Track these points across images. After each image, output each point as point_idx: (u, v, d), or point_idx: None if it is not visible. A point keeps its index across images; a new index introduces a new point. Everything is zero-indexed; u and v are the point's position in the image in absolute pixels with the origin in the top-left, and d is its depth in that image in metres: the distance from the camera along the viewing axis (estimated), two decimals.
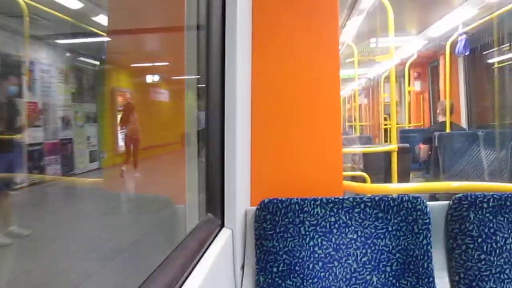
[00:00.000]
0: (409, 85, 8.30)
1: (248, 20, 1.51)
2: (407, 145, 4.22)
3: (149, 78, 10.82)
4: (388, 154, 3.54)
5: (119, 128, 8.86)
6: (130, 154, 8.46)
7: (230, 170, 1.37)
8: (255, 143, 1.54)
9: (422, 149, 5.33)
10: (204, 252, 1.15)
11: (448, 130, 5.21)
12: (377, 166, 3.92)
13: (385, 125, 8.73)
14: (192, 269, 1.04)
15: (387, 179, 3.65)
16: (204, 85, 1.39)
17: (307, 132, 1.56)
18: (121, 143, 8.92)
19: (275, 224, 1.41)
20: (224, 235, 1.35)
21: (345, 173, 3.58)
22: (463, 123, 6.77)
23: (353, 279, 1.37)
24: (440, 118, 5.52)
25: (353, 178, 3.73)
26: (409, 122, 8.58)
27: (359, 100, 12.59)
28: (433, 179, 5.02)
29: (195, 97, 1.54)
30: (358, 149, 3.93)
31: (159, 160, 9.35)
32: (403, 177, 3.97)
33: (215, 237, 1.30)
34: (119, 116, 9.10)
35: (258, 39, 1.54)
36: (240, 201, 1.43)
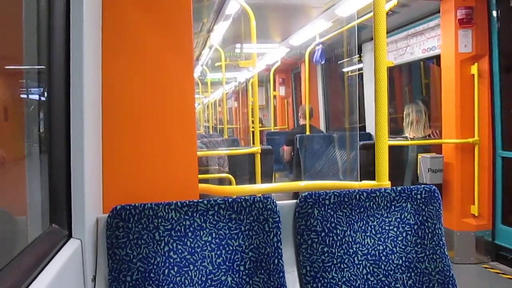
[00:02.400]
0: (274, 90, 8.75)
1: (97, 23, 1.43)
2: (269, 147, 4.43)
3: None
4: (252, 155, 3.68)
5: None
6: None
7: (77, 176, 1.28)
8: (107, 147, 1.47)
9: (286, 150, 5.66)
10: (44, 267, 1.05)
11: (308, 133, 5.61)
12: (242, 168, 4.04)
13: (253, 127, 9.08)
14: None
15: (252, 180, 3.79)
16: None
17: (161, 136, 1.53)
18: None
19: (128, 231, 1.36)
20: (71, 247, 1.25)
21: (210, 176, 3.62)
22: (322, 126, 7.35)
23: (209, 281, 1.38)
24: (301, 121, 5.92)
25: (220, 180, 3.79)
26: (275, 125, 9.05)
27: (229, 103, 12.90)
28: (296, 178, 5.36)
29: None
30: (222, 151, 4.01)
31: None
32: (267, 178, 4.16)
33: (59, 250, 1.20)
34: None
35: (108, 41, 1.47)
36: (90, 209, 1.34)
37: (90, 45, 1.34)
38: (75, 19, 1.27)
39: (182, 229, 1.40)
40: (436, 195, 1.55)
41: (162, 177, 1.54)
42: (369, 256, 1.48)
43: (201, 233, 1.41)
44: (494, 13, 3.72)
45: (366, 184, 1.75)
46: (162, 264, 1.36)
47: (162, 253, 1.37)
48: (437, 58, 4.33)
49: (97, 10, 1.43)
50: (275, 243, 1.42)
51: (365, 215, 1.51)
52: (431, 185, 1.57)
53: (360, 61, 5.92)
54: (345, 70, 6.66)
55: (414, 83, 5.72)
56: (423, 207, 1.53)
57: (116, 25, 1.49)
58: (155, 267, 1.35)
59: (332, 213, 1.49)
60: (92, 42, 1.37)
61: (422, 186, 1.55)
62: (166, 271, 1.36)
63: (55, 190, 1.26)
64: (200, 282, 1.38)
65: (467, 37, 3.79)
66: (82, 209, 1.30)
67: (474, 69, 3.77)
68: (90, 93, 1.34)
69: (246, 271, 1.40)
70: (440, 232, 1.53)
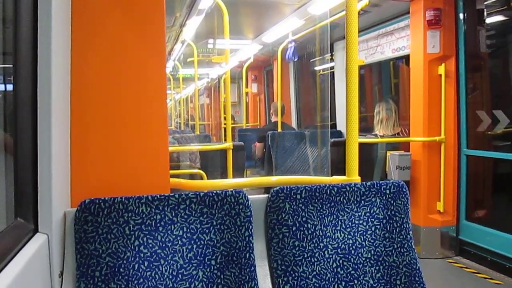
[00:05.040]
0: (246, 86, 8.74)
1: (66, 15, 1.40)
2: (241, 143, 4.43)
3: None
4: (224, 152, 3.68)
5: None
6: None
7: (44, 168, 1.25)
8: (76, 140, 1.43)
9: (258, 147, 5.67)
10: (8, 263, 1.02)
11: (279, 130, 5.64)
12: (214, 164, 4.03)
13: (225, 124, 9.04)
14: None
15: (224, 176, 3.78)
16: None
17: (132, 130, 1.51)
18: None
19: (97, 226, 1.34)
20: (37, 242, 1.22)
21: (182, 171, 3.60)
22: (294, 123, 7.41)
23: (180, 275, 1.37)
24: (273, 118, 5.95)
25: (191, 176, 3.77)
26: (247, 122, 9.05)
27: (202, 99, 12.80)
28: (267, 174, 5.38)
29: None
30: (194, 147, 3.98)
31: None
32: (238, 174, 4.16)
33: (25, 245, 1.16)
34: None
35: (78, 34, 1.43)
36: (57, 202, 1.31)
37: (59, 36, 1.31)
38: (43, 11, 1.24)
39: (153, 224, 1.38)
40: (404, 190, 1.59)
41: (133, 171, 1.52)
42: (339, 250, 1.50)
43: (172, 227, 1.40)
44: (461, 16, 3.83)
45: (337, 179, 1.78)
46: (132, 259, 1.34)
47: (132, 247, 1.35)
48: (407, 58, 4.42)
49: (66, 3, 1.40)
50: (247, 237, 1.42)
51: (336, 209, 1.53)
52: (400, 181, 1.61)
53: (331, 59, 5.99)
54: (317, 68, 6.72)
55: (384, 82, 5.83)
56: (392, 201, 1.57)
57: (86, 18, 1.45)
58: (124, 262, 1.33)
59: (303, 207, 1.50)
60: (61, 34, 1.33)
61: (391, 181, 1.59)
62: (136, 266, 1.34)
63: (21, 183, 1.22)
64: (170, 277, 1.37)
65: (435, 38, 3.89)
66: (49, 202, 1.27)
67: (441, 70, 3.87)
68: (59, 85, 1.31)
69: (218, 266, 1.40)
70: (407, 226, 1.56)
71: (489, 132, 3.85)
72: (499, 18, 3.93)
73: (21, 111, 1.22)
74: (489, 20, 3.91)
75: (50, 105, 1.24)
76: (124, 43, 1.50)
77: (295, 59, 5.76)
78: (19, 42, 1.21)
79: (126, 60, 1.51)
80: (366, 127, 5.56)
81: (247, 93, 9.30)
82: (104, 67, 1.49)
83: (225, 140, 3.87)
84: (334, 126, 5.97)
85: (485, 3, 3.82)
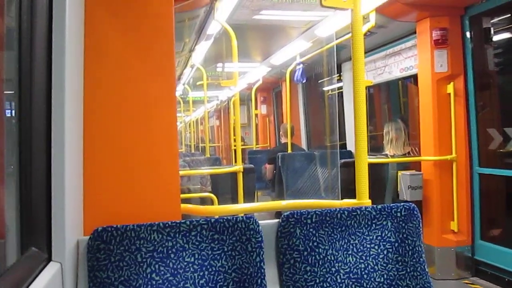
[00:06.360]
0: (256, 108, 8.80)
1: (79, 47, 1.44)
2: (251, 165, 4.44)
3: None
4: (234, 174, 3.68)
5: None
6: None
7: (57, 197, 1.27)
8: (88, 168, 1.46)
9: (268, 168, 5.67)
10: None
11: (289, 151, 5.64)
12: (224, 187, 4.04)
13: (235, 146, 9.07)
14: None
15: (234, 199, 3.78)
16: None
17: (143, 156, 1.53)
18: None
19: (109, 254, 1.35)
20: (50, 270, 1.23)
21: (193, 195, 3.61)
22: (303, 144, 7.41)
23: None
24: (283, 140, 5.96)
25: (202, 200, 3.77)
26: (257, 143, 9.07)
27: (211, 121, 12.89)
28: (278, 196, 5.36)
29: None
30: (205, 170, 4.00)
31: None
32: (249, 196, 4.16)
33: (39, 274, 1.18)
34: None
35: (90, 62, 1.47)
36: (71, 231, 1.33)
37: (72, 66, 1.34)
38: (57, 45, 1.27)
39: (165, 251, 1.39)
40: (415, 212, 1.58)
41: (144, 198, 1.53)
42: (351, 275, 1.49)
43: (184, 254, 1.40)
44: (468, 34, 3.85)
45: (347, 202, 1.77)
46: (144, 286, 1.35)
47: (144, 275, 1.36)
48: (415, 77, 4.43)
49: (79, 35, 1.44)
50: (258, 263, 1.42)
51: (347, 233, 1.53)
52: (411, 203, 1.60)
53: (340, 80, 6.02)
54: (325, 88, 6.76)
55: (393, 101, 5.83)
56: (403, 224, 1.56)
57: (98, 48, 1.49)
58: None
59: (314, 232, 1.50)
60: (74, 65, 1.37)
61: (402, 204, 1.58)
62: None
63: (35, 212, 1.24)
64: None
65: (443, 57, 3.90)
66: (63, 231, 1.28)
67: (450, 88, 3.87)
68: (71, 112, 1.34)
69: None
70: (420, 249, 1.55)
71: (500, 150, 3.82)
72: (506, 36, 3.94)
73: (35, 140, 1.25)
74: (496, 38, 3.92)
75: (63, 133, 1.27)
76: (134, 69, 1.54)
77: (304, 81, 5.80)
78: (33, 73, 1.24)
79: (136, 85, 1.54)
80: (376, 145, 5.54)
81: (256, 115, 9.36)
82: (115, 93, 1.52)
83: (235, 162, 3.89)
84: (344, 146, 5.96)
85: (492, 21, 3.84)
